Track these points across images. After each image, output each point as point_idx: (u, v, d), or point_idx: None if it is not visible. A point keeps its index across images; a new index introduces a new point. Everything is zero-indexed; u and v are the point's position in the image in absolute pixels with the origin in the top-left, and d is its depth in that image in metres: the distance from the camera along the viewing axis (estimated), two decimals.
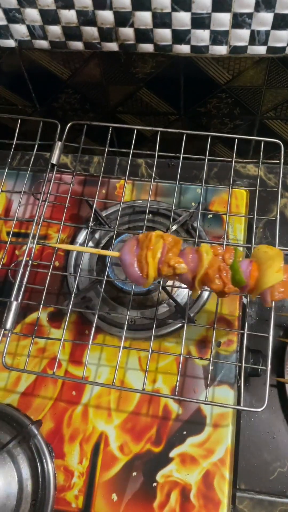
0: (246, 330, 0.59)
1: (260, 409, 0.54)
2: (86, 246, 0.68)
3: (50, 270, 0.61)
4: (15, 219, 0.68)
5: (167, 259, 0.50)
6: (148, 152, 0.72)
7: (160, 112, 0.78)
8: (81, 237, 0.75)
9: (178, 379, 0.57)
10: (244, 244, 0.71)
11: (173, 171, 0.69)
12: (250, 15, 0.59)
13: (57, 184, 0.76)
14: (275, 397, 0.67)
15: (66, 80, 0.74)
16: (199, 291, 0.52)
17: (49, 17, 0.63)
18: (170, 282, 0.69)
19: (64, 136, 0.71)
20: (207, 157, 0.68)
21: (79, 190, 0.80)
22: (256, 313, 0.72)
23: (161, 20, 0.61)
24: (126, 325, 0.60)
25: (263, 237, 0.78)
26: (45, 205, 0.65)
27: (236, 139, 0.67)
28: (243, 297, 0.65)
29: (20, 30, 0.66)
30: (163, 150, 0.71)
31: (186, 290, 0.69)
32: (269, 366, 0.55)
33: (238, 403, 0.57)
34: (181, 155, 0.68)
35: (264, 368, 0.56)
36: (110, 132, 0.70)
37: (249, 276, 0.49)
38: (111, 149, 0.73)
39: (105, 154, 0.70)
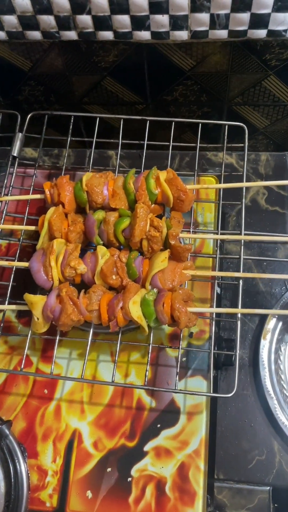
0: (214, 316, 0.58)
1: (229, 395, 0.53)
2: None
3: (15, 265, 0.59)
4: None
5: (68, 261, 0.54)
6: (112, 140, 0.70)
7: (127, 101, 0.77)
8: None
9: (148, 369, 0.55)
10: (214, 230, 0.70)
11: (144, 161, 0.68)
12: None
13: (22, 177, 0.75)
14: (251, 385, 0.66)
15: (28, 71, 0.72)
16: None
17: (3, 6, 0.61)
18: None
19: (25, 127, 0.69)
20: (171, 144, 0.67)
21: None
22: (231, 302, 0.71)
23: (119, 6, 0.60)
24: None
25: (236, 225, 0.77)
26: (7, 200, 0.63)
27: (200, 124, 0.66)
28: (216, 285, 0.64)
29: None
30: (132, 140, 0.70)
31: None
32: (238, 352, 0.55)
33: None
34: (145, 142, 0.67)
35: (233, 353, 0.55)
36: (72, 121, 0.69)
37: (142, 269, 0.56)
38: (74, 138, 0.71)
39: (68, 144, 0.69)
